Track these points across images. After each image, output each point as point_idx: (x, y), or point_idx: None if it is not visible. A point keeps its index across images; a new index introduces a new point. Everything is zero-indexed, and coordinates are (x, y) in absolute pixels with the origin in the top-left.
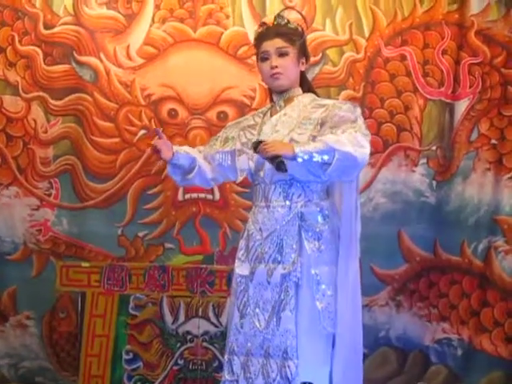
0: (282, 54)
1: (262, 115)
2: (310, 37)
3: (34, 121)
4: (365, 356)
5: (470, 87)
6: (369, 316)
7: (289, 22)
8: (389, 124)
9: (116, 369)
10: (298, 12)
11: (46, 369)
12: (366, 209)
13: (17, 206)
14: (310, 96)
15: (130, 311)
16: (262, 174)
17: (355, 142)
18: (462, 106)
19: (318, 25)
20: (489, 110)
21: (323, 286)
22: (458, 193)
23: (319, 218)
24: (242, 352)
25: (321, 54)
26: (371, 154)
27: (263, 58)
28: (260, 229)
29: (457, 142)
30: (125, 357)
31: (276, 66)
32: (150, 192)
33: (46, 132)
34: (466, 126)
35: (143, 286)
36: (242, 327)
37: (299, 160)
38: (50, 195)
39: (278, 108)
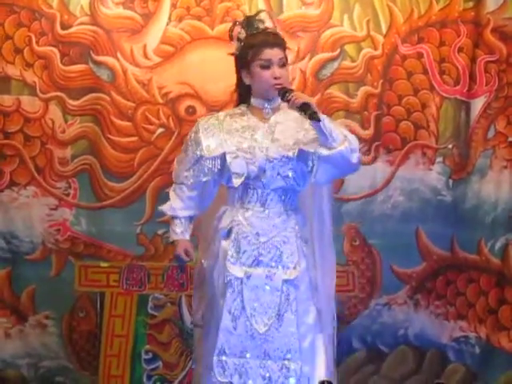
0: (282, 65)
1: (245, 118)
2: (328, 32)
3: (52, 121)
4: (384, 355)
5: (487, 85)
6: (388, 315)
7: (267, 28)
8: (406, 122)
9: (135, 368)
10: (269, 15)
11: (65, 368)
12: (385, 206)
13: (35, 205)
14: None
15: (149, 311)
16: (263, 179)
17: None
18: (478, 104)
19: (335, 21)
20: (505, 107)
21: (316, 289)
22: (474, 191)
23: (304, 225)
24: (234, 354)
25: (339, 50)
26: (389, 151)
27: (264, 65)
28: (257, 233)
29: (473, 140)
30: (144, 356)
31: (280, 77)
32: (168, 190)
33: (63, 132)
34: (483, 124)
35: (162, 286)
36: (235, 329)
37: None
38: (68, 195)
39: (265, 113)
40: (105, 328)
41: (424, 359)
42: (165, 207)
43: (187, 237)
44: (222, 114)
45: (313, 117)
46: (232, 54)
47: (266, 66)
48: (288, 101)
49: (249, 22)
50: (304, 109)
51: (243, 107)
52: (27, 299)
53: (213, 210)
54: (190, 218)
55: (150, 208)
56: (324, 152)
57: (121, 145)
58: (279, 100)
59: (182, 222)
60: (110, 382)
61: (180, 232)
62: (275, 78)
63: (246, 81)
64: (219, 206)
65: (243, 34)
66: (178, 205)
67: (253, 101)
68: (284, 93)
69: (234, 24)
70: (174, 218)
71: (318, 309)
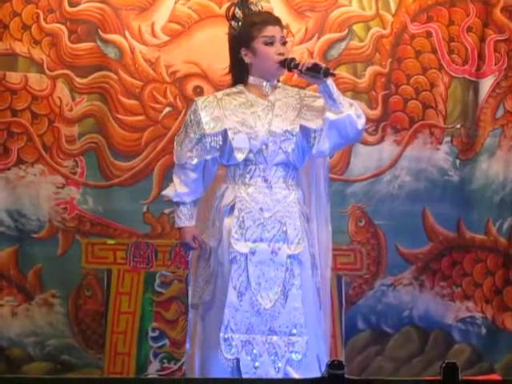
0: (284, 43)
1: (243, 95)
2: (336, 12)
3: (59, 99)
4: (389, 335)
5: (496, 64)
6: (393, 296)
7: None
8: (414, 101)
9: (142, 346)
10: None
11: (71, 347)
12: (391, 186)
13: (42, 184)
14: (285, 85)
15: (156, 288)
16: (265, 154)
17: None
18: (486, 84)
19: (344, 0)
20: None
21: (317, 266)
22: (482, 171)
23: (304, 202)
24: (240, 330)
25: (347, 30)
26: (397, 131)
27: (268, 42)
28: (261, 208)
29: (481, 119)
30: (151, 334)
31: (283, 54)
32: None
33: (71, 110)
34: (491, 104)
35: (169, 263)
36: (241, 305)
37: (329, 82)
38: (75, 173)
39: (264, 90)
40: (111, 305)
41: (429, 340)
42: (170, 193)
43: (193, 223)
44: (219, 93)
45: (328, 72)
46: (230, 34)
47: (270, 42)
48: (296, 66)
49: (243, 3)
50: (316, 68)
51: (240, 86)
52: (34, 278)
53: (210, 190)
54: (195, 203)
55: (156, 187)
56: (332, 116)
57: (128, 123)
58: (276, 80)
59: (188, 207)
60: (116, 359)
61: (186, 219)
62: (279, 54)
63: (246, 59)
64: (216, 186)
65: (240, 14)
66: (183, 190)
67: (251, 79)
68: (290, 61)
69: (231, 5)
70: (179, 203)
71: (317, 286)
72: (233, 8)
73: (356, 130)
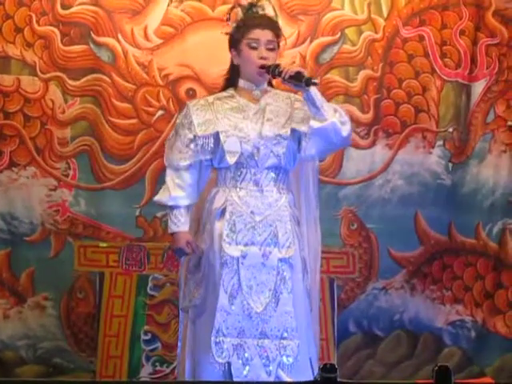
0: (271, 48)
1: (234, 99)
2: (328, 15)
3: (52, 101)
4: (380, 339)
5: (487, 68)
6: (385, 299)
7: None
8: (407, 105)
9: (134, 349)
10: (271, 4)
11: (63, 350)
12: (383, 190)
13: (35, 186)
14: (276, 90)
15: (149, 291)
16: (256, 157)
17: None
18: (478, 88)
19: (336, 4)
20: (505, 91)
21: (307, 269)
22: (473, 175)
23: (295, 206)
24: (232, 334)
25: (339, 34)
26: (389, 135)
27: (251, 45)
28: (252, 212)
29: (473, 124)
30: (143, 337)
31: (266, 58)
32: None
33: (63, 112)
34: (482, 108)
35: (162, 266)
36: (232, 309)
37: (312, 90)
38: (67, 176)
39: (254, 94)
40: (104, 308)
41: (419, 343)
42: (163, 198)
43: (187, 228)
44: (210, 98)
45: (310, 82)
46: (226, 34)
47: (254, 46)
48: (280, 73)
49: (249, 6)
50: (299, 77)
51: (231, 90)
52: (26, 280)
53: (202, 193)
54: (189, 208)
55: (149, 191)
56: (316, 124)
57: (121, 127)
58: (266, 84)
59: (182, 212)
60: (108, 362)
61: (181, 223)
62: (261, 58)
63: (234, 60)
64: (207, 189)
65: (240, 16)
66: (178, 193)
67: (241, 82)
68: (274, 68)
69: (234, 6)
70: (173, 208)
71: (308, 290)
72: (235, 10)
73: (341, 136)
